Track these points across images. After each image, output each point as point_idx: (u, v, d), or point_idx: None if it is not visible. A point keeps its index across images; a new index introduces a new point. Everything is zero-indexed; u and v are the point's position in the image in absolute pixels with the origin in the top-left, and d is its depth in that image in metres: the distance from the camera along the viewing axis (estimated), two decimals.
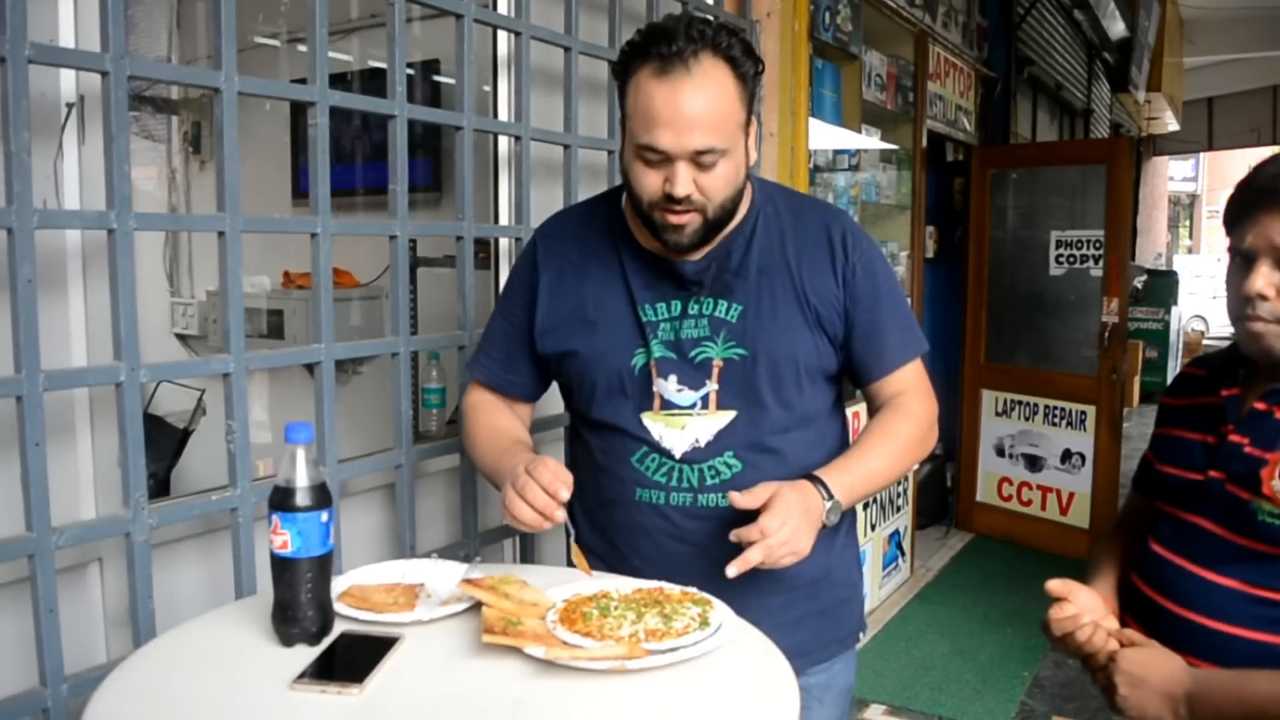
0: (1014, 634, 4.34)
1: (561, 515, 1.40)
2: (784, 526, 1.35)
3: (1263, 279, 1.31)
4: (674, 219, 1.45)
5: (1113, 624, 1.43)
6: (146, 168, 3.92)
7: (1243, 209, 1.34)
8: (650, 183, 1.44)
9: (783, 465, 1.54)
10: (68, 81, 1.60)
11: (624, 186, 1.54)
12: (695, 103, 1.38)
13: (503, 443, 1.60)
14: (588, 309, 1.58)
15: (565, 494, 1.38)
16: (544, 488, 1.38)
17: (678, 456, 1.54)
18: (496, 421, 1.66)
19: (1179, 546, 1.42)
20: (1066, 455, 5.43)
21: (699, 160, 1.41)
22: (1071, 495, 5.43)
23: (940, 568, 5.26)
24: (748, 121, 1.47)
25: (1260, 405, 1.37)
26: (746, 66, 1.43)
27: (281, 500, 1.21)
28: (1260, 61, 12.09)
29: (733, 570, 1.33)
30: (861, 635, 1.76)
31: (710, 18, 1.44)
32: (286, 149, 3.69)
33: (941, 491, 5.93)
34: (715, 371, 1.53)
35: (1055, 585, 1.43)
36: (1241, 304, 1.34)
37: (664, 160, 1.41)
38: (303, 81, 1.80)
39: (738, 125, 1.44)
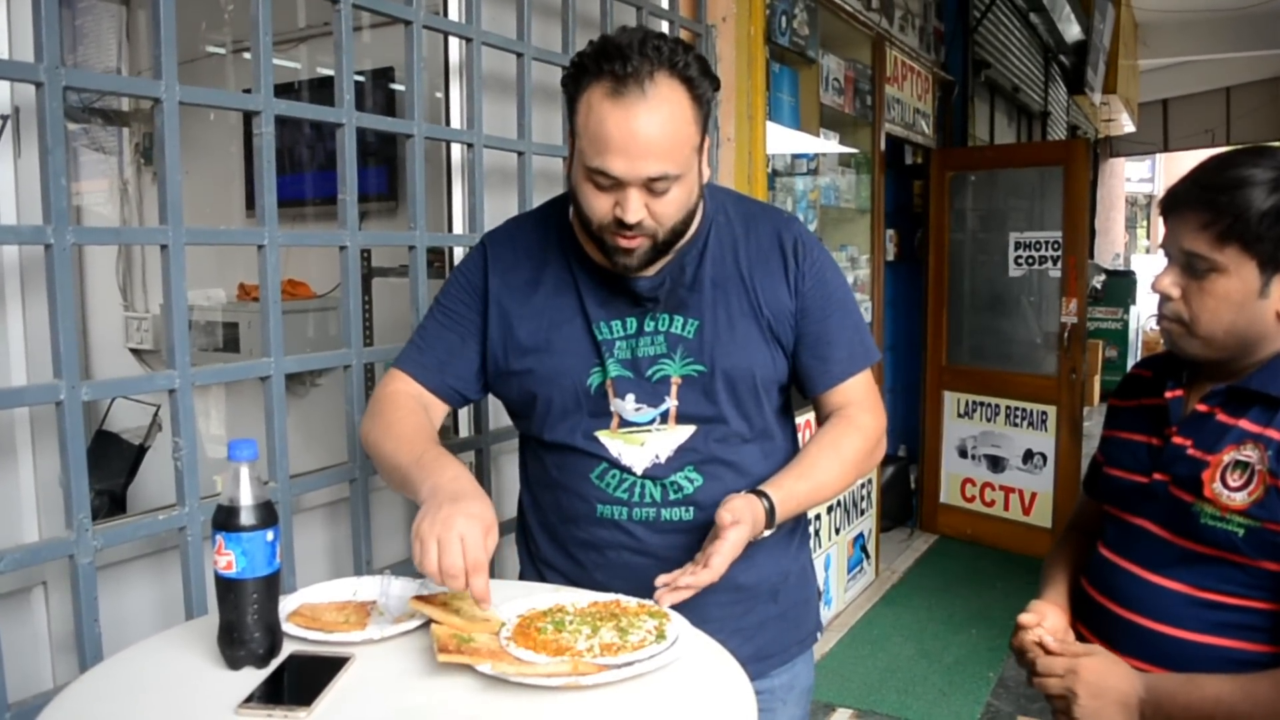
0: (979, 635, 4.36)
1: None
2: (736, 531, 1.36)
3: (1168, 279, 1.36)
4: (624, 242, 1.41)
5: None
6: (98, 180, 3.86)
7: (1163, 212, 1.38)
8: (600, 205, 1.40)
9: (740, 477, 1.53)
10: (2, 93, 1.57)
11: (571, 201, 1.49)
12: (650, 129, 1.33)
13: (420, 444, 1.45)
14: (541, 326, 1.54)
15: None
16: (467, 567, 1.23)
17: (639, 472, 1.52)
18: (419, 419, 1.52)
19: (1125, 550, 1.43)
20: (1028, 455, 5.47)
21: (651, 186, 1.37)
22: (1034, 495, 5.47)
23: (905, 570, 5.29)
24: (702, 142, 1.43)
25: (1202, 407, 1.38)
26: (704, 88, 1.39)
27: (225, 520, 1.18)
28: (1213, 64, 12.31)
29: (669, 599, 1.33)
30: (819, 635, 1.76)
31: (666, 33, 1.39)
32: (241, 160, 3.65)
33: (905, 493, 5.96)
34: (674, 389, 1.51)
35: (1026, 617, 1.44)
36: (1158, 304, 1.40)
37: (615, 185, 1.37)
38: (249, 91, 1.77)
39: (692, 149, 1.40)
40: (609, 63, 1.33)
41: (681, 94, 1.36)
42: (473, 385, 1.60)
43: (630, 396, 1.51)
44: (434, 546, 1.22)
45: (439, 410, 1.59)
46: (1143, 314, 11.38)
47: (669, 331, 1.52)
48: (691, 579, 1.33)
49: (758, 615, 1.61)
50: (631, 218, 1.37)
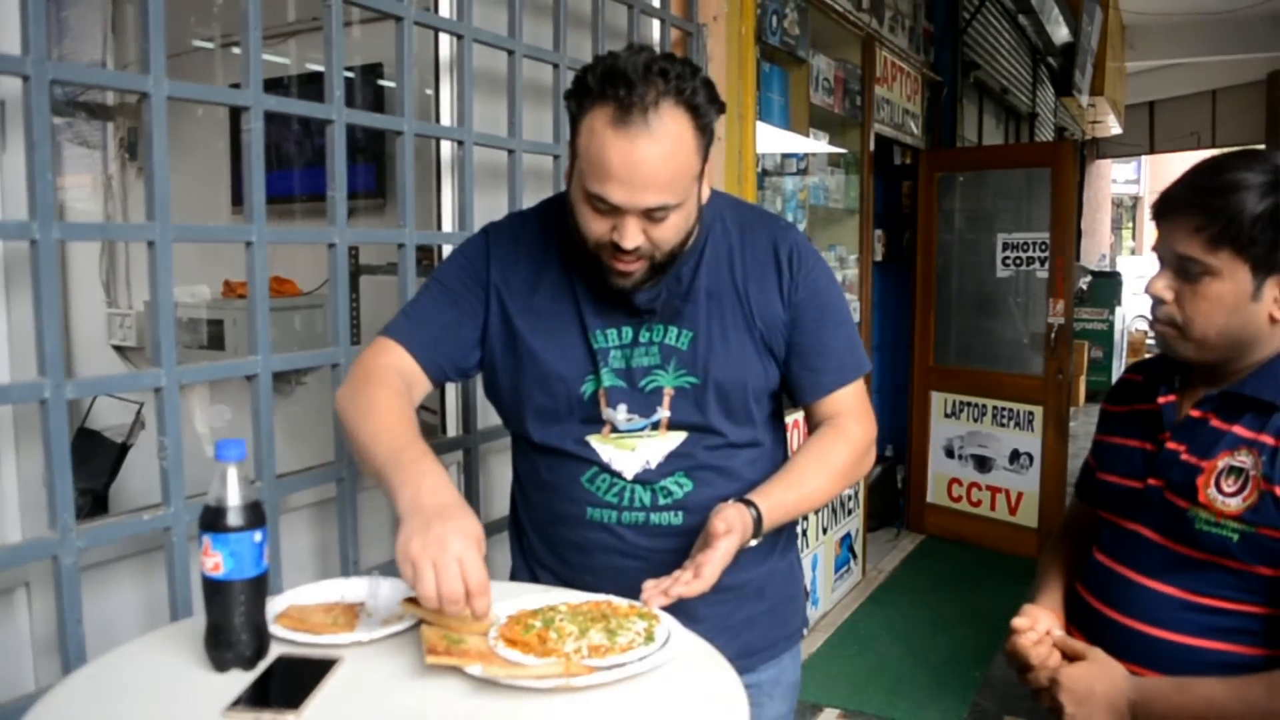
0: (965, 634, 4.37)
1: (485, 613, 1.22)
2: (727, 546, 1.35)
3: (1161, 282, 1.36)
4: (621, 265, 1.41)
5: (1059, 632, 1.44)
6: (81, 175, 3.82)
7: (1155, 216, 1.38)
8: (597, 228, 1.39)
9: (731, 482, 1.53)
10: None
11: (569, 214, 1.47)
12: (652, 161, 1.31)
13: (400, 436, 1.36)
14: (539, 330, 1.53)
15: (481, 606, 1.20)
16: (470, 590, 1.19)
17: (629, 477, 1.51)
18: (401, 402, 1.43)
19: (1120, 555, 1.43)
20: (1014, 455, 5.49)
21: (650, 214, 1.36)
22: (1020, 495, 5.50)
23: (892, 569, 5.30)
24: (703, 167, 1.42)
25: (1195, 412, 1.39)
26: (710, 115, 1.37)
27: (212, 521, 1.16)
28: (1199, 67, 12.42)
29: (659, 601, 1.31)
30: (805, 631, 1.75)
31: (673, 54, 1.37)
32: (226, 156, 3.62)
33: (892, 493, 5.97)
34: (666, 399, 1.51)
35: (1020, 622, 1.44)
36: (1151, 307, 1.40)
37: (614, 210, 1.36)
38: (237, 86, 1.75)
39: (693, 177, 1.39)
40: (613, 88, 1.30)
41: (685, 123, 1.34)
42: (459, 368, 1.57)
43: (622, 406, 1.50)
44: (429, 570, 1.17)
45: (422, 388, 1.53)
46: (1128, 315, 11.47)
47: (663, 342, 1.51)
48: (684, 589, 1.32)
49: (745, 612, 1.61)
50: (629, 244, 1.37)
